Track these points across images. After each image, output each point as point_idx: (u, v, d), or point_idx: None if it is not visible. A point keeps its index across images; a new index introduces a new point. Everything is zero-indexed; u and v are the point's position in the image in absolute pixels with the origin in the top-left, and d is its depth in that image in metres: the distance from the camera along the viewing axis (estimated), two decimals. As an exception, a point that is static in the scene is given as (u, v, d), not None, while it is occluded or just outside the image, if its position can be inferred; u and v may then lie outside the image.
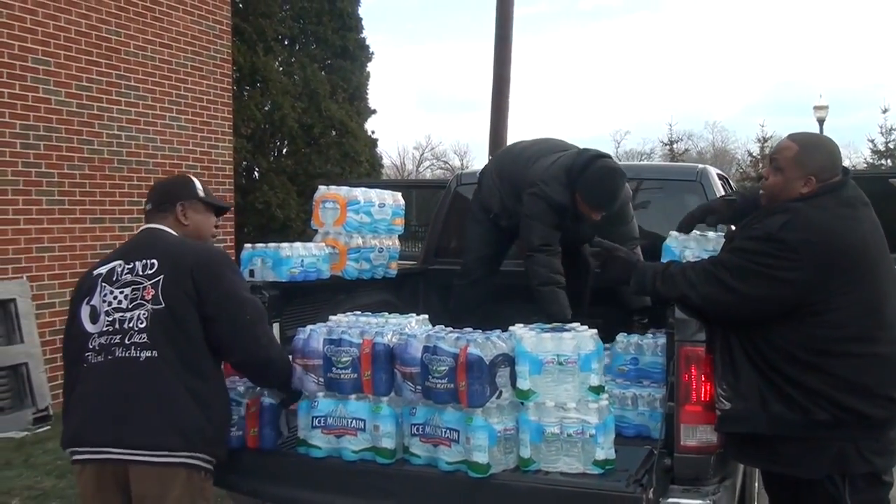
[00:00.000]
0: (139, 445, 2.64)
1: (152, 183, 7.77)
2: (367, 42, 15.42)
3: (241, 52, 12.57)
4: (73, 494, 4.92)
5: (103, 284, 2.83)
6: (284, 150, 14.55)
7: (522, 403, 2.78)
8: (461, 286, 4.58)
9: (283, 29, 14.18)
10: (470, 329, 2.94)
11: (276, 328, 3.60)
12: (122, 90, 7.79)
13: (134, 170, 7.89)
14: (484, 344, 2.73)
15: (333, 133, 14.42)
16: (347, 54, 14.94)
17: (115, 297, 2.79)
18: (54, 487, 5.11)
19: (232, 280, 2.87)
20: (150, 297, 2.75)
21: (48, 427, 6.33)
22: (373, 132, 15.47)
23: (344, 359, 2.95)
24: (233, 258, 3.25)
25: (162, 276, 2.77)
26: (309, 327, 3.10)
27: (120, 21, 7.77)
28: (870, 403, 2.70)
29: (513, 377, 2.77)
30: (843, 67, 65.89)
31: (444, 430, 2.79)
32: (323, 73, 14.71)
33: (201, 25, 8.80)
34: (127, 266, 2.83)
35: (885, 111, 29.38)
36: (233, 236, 9.07)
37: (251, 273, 3.71)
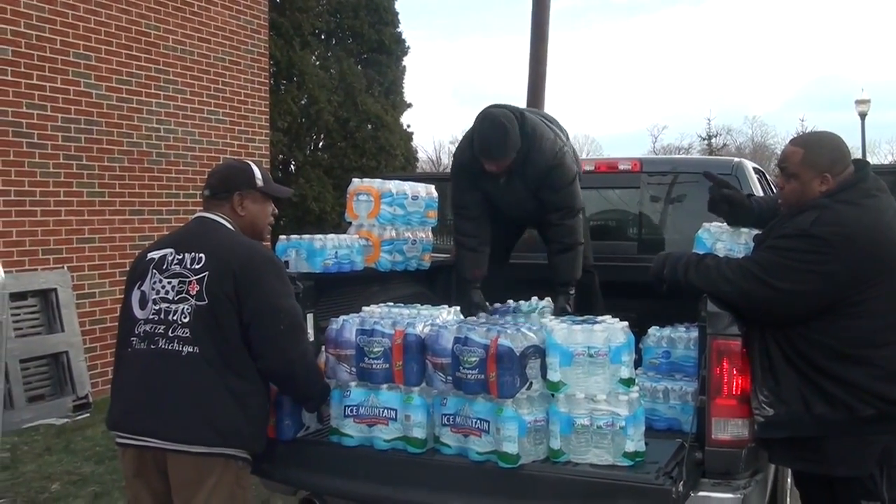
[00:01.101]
0: (175, 438, 2.67)
1: (190, 174, 8.00)
2: (403, 36, 15.49)
3: (278, 47, 12.68)
4: (112, 480, 5.03)
5: (154, 271, 2.84)
6: (320, 144, 14.66)
7: (553, 395, 2.79)
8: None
9: (319, 23, 14.27)
10: (500, 319, 2.95)
11: (309, 318, 3.64)
12: (161, 84, 7.90)
13: (172, 162, 8.00)
14: (515, 335, 2.74)
15: (369, 127, 14.49)
16: (383, 48, 15.00)
17: (163, 287, 2.80)
18: (93, 473, 5.21)
19: (272, 287, 2.82)
20: (194, 292, 2.75)
21: (87, 414, 6.46)
22: (408, 126, 15.54)
23: (376, 349, 2.97)
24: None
25: (207, 273, 2.77)
26: (342, 318, 3.14)
27: (159, 16, 7.88)
28: None
29: (543, 369, 2.78)
30: (886, 61, 64.72)
31: (474, 420, 2.81)
32: (359, 67, 14.79)
33: (239, 20, 8.89)
34: (177, 256, 2.84)
35: (928, 105, 28.88)
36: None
37: (286, 264, 3.75)
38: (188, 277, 2.78)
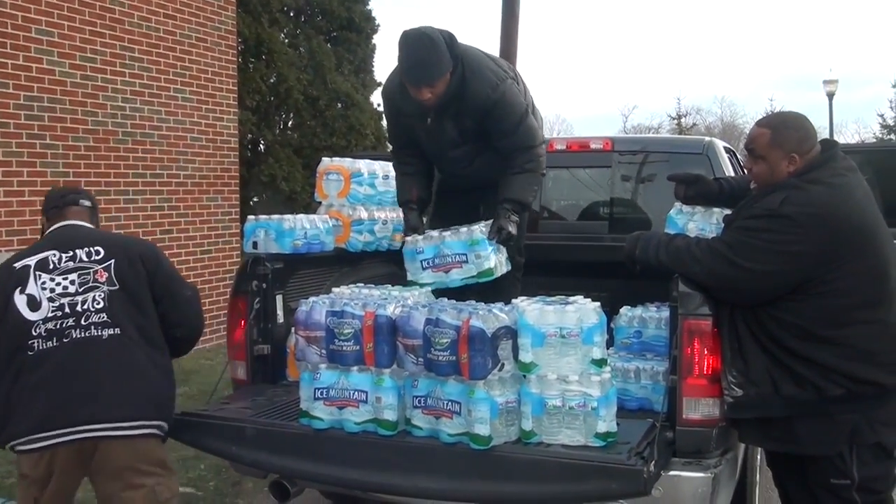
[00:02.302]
0: (115, 418, 2.74)
1: (157, 154, 7.89)
2: (374, 14, 15.35)
3: (246, 24, 12.51)
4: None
5: (38, 273, 2.88)
6: (290, 123, 14.53)
7: (524, 376, 2.78)
8: None
9: (288, 0, 14.09)
10: (472, 301, 2.94)
11: (279, 300, 3.61)
12: (126, 61, 7.75)
13: (139, 142, 7.87)
14: (486, 316, 2.72)
15: (339, 105, 14.37)
16: (353, 26, 14.86)
17: (57, 284, 2.86)
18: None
19: (169, 266, 3.16)
20: (104, 279, 2.89)
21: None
22: (379, 105, 15.38)
23: (346, 331, 2.94)
24: (238, 230, 3.41)
25: (113, 261, 2.93)
26: (312, 299, 3.10)
27: (124, -9, 7.73)
28: (883, 371, 2.75)
29: (515, 350, 2.77)
30: (854, 42, 65.31)
31: (445, 402, 2.79)
32: (328, 45, 14.65)
33: (206, -4, 8.74)
34: (65, 254, 2.92)
35: (894, 85, 29.24)
36: (238, 209, 9.07)
37: (254, 245, 3.72)
38: (92, 268, 2.91)
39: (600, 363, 2.75)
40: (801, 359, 2.74)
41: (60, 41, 7.10)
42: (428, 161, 3.94)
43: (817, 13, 69.50)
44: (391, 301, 3.02)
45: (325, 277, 3.83)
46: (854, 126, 42.23)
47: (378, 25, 15.44)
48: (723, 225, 3.10)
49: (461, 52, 3.56)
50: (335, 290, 3.37)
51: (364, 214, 4.09)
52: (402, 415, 2.92)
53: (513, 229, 3.53)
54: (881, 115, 29.37)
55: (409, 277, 3.52)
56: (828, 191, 2.78)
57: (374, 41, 15.50)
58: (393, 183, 4.24)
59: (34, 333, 2.80)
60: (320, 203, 4.16)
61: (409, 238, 3.60)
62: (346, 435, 2.95)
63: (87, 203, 3.19)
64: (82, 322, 2.80)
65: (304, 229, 3.74)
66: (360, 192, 4.08)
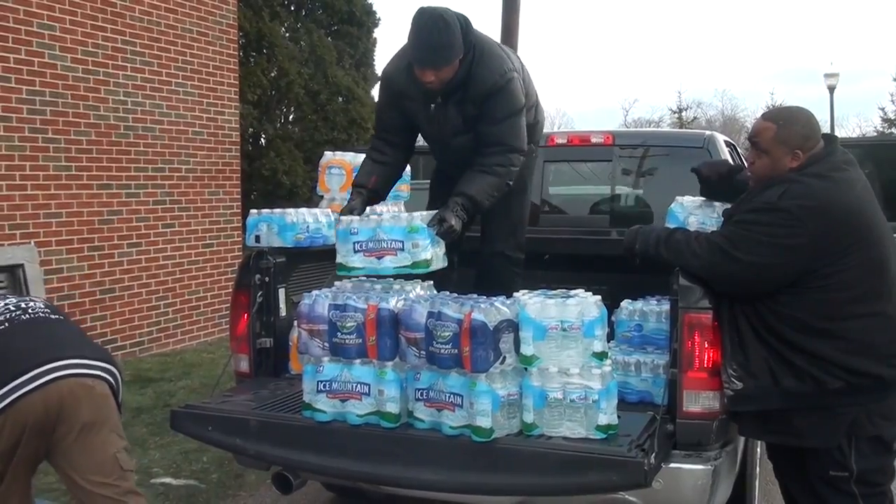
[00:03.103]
0: (80, 356, 2.90)
1: (158, 148, 7.90)
2: (374, 7, 15.36)
3: (247, 18, 12.52)
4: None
5: None
6: (291, 117, 14.55)
7: (526, 369, 2.80)
8: None
9: (289, -6, 14.10)
10: (474, 295, 2.95)
11: (281, 294, 3.63)
12: (128, 56, 7.76)
13: (140, 136, 7.88)
14: (488, 310, 2.74)
15: (340, 99, 14.39)
16: (354, 20, 14.88)
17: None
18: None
19: None
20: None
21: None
22: (380, 99, 15.41)
23: (349, 324, 2.96)
24: (240, 224, 3.36)
25: None
26: (314, 293, 3.11)
27: (125, -15, 7.73)
28: (883, 364, 2.76)
29: (516, 343, 2.78)
30: (855, 36, 65.18)
31: (447, 394, 2.81)
32: (329, 38, 14.67)
33: (207, -10, 8.74)
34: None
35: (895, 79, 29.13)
36: (239, 203, 9.07)
37: (257, 238, 3.73)
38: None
39: (601, 356, 2.76)
40: (800, 352, 2.76)
41: (62, 36, 7.10)
42: (405, 158, 3.87)
43: (818, 6, 69.39)
44: (393, 294, 3.03)
45: (327, 271, 3.85)
46: (855, 120, 42.09)
47: (379, 19, 15.48)
48: (722, 219, 3.11)
49: (475, 38, 3.49)
50: (337, 283, 3.38)
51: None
52: (405, 407, 2.93)
53: (457, 224, 3.30)
54: (882, 109, 29.30)
55: (338, 259, 3.26)
56: (827, 185, 2.79)
57: (374, 35, 15.54)
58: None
59: None
60: (322, 197, 4.17)
61: (343, 218, 3.35)
62: (349, 427, 2.96)
63: None
64: (29, 313, 3.00)
65: (306, 223, 3.75)
66: (361, 186, 4.07)
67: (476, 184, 3.48)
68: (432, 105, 3.57)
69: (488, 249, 3.92)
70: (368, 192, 3.68)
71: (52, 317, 3.07)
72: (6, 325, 2.94)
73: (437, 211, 3.32)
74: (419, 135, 3.88)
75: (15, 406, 2.75)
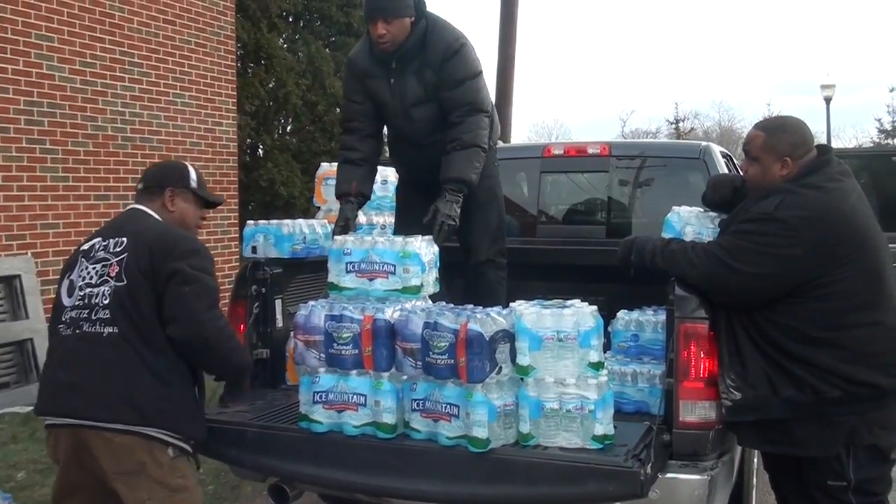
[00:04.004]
0: (93, 417, 2.70)
1: (156, 158, 7.90)
2: (372, 19, 15.36)
3: (245, 29, 12.55)
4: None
5: (82, 260, 2.91)
6: (288, 128, 14.58)
7: (522, 379, 2.79)
8: None
9: (286, 5, 14.15)
10: (471, 305, 2.95)
11: (278, 304, 3.62)
12: (126, 66, 7.78)
13: (138, 146, 7.89)
14: (484, 320, 2.74)
15: (337, 110, 14.40)
16: (352, 31, 14.92)
17: (88, 273, 2.86)
18: (60, 461, 5.14)
19: (183, 255, 2.83)
20: (114, 273, 2.82)
21: (54, 402, 6.36)
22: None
23: (345, 335, 2.96)
24: (237, 235, 3.28)
25: (126, 255, 2.83)
26: (311, 303, 3.11)
27: (123, -3, 7.75)
28: (881, 373, 2.76)
29: (512, 353, 2.78)
30: (851, 47, 65.42)
31: (444, 405, 2.80)
32: (327, 50, 14.71)
33: (205, 2, 8.77)
34: (103, 243, 2.90)
35: (892, 90, 29.31)
36: (237, 213, 9.07)
37: (254, 249, 3.73)
38: (109, 260, 2.85)
39: (597, 366, 2.76)
40: (798, 361, 2.76)
41: (60, 46, 7.13)
42: (376, 149, 3.95)
43: (815, 18, 69.67)
44: (390, 305, 3.03)
45: (323, 282, 3.84)
46: (852, 131, 42.20)
47: (376, 30, 15.46)
48: (719, 229, 3.12)
49: (428, 12, 3.70)
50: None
51: (362, 219, 4.11)
52: (401, 418, 2.93)
53: (454, 212, 3.46)
54: (878, 120, 29.46)
55: (330, 279, 3.27)
56: (822, 195, 2.81)
57: (372, 46, 15.53)
58: (391, 187, 4.26)
59: (62, 319, 2.85)
60: (319, 208, 4.17)
61: (338, 238, 3.38)
62: (346, 438, 2.96)
63: (141, 185, 3.10)
64: (92, 316, 2.78)
65: (303, 234, 3.76)
66: (358, 197, 4.08)
67: (457, 164, 3.59)
68: (391, 79, 3.71)
69: (476, 259, 3.96)
70: (355, 198, 3.78)
71: (106, 331, 2.74)
72: (70, 331, 2.80)
73: (440, 211, 3.44)
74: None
75: (52, 432, 2.82)
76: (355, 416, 2.95)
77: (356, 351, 2.95)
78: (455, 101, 3.66)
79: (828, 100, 24.04)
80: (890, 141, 28.57)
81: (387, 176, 4.25)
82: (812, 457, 2.85)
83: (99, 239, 2.93)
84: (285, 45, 14.24)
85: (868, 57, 66.08)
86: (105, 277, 2.82)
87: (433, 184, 3.66)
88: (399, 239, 3.22)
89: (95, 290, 2.81)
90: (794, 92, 57.15)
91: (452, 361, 2.74)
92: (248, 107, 12.87)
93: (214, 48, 8.90)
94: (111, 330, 2.75)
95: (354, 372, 2.97)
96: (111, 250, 2.86)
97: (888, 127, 29.33)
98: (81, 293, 2.83)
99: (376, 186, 4.17)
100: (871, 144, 29.50)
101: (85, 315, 2.80)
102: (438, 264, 3.24)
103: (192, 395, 2.91)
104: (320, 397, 2.99)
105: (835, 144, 24.94)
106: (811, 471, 2.89)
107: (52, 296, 6.77)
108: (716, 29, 69.83)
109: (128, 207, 3.13)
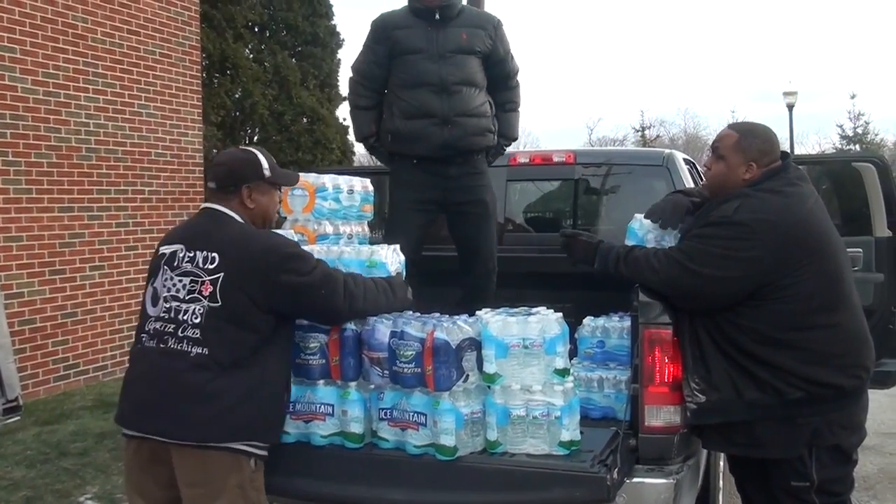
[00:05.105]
0: (182, 437, 2.62)
1: (121, 170, 7.84)
2: (338, 29, 15.38)
3: (211, 40, 12.48)
4: (44, 484, 4.93)
5: (165, 267, 2.78)
6: (255, 138, 14.48)
7: (489, 387, 2.81)
8: None
9: (252, 15, 14.08)
10: (437, 314, 2.96)
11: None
12: (90, 78, 7.71)
13: (103, 158, 7.82)
14: (450, 328, 2.75)
15: (304, 120, 14.38)
16: (318, 41, 14.88)
17: (174, 285, 2.73)
18: (24, 477, 5.08)
19: (294, 270, 2.75)
20: (207, 293, 2.68)
21: (18, 418, 6.26)
22: (344, 119, 15.40)
23: (312, 345, 2.96)
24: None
25: (222, 275, 2.69)
26: (277, 314, 3.10)
27: (86, 7, 7.68)
28: (841, 374, 2.80)
29: (479, 361, 2.80)
30: (814, 55, 66.45)
31: (411, 413, 2.81)
32: (293, 60, 14.65)
33: (169, 12, 8.72)
34: (189, 254, 2.76)
35: (853, 97, 29.87)
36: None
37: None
38: (201, 277, 2.71)
39: (563, 373, 2.79)
40: (761, 363, 2.79)
41: (23, 58, 7.05)
42: (378, 101, 4.30)
43: (778, 27, 70.59)
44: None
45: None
46: (815, 137, 42.93)
47: (343, 40, 15.47)
48: (680, 235, 3.16)
49: None
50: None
51: (329, 229, 4.08)
52: (369, 427, 2.93)
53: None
54: (840, 126, 29.90)
55: None
56: (780, 199, 2.86)
57: (339, 56, 15.53)
58: (357, 197, 4.25)
59: (146, 328, 2.75)
60: (285, 218, 4.15)
61: (317, 247, 3.37)
62: (313, 448, 2.96)
63: (213, 185, 2.93)
64: (179, 333, 2.66)
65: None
66: (324, 206, 4.05)
67: (513, 124, 4.39)
68: (429, 28, 4.11)
69: (483, 268, 4.28)
70: (376, 139, 4.35)
71: (194, 351, 2.63)
72: (154, 343, 2.70)
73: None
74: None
75: (130, 442, 2.78)
76: (323, 426, 2.95)
77: (323, 361, 2.95)
78: (509, 67, 4.30)
79: (790, 106, 24.39)
80: (852, 147, 29.00)
81: (353, 186, 4.24)
82: (776, 458, 2.89)
83: (181, 246, 2.79)
84: (251, 55, 14.16)
85: (830, 65, 67.18)
86: (196, 295, 2.69)
87: (438, 143, 4.11)
88: (365, 248, 3.23)
89: (183, 305, 2.69)
90: (759, 99, 58.04)
91: (419, 370, 2.75)
92: (214, 117, 12.79)
93: (179, 58, 8.85)
94: (200, 350, 2.63)
95: (322, 382, 2.97)
96: (201, 266, 2.72)
97: (850, 133, 29.78)
98: (167, 305, 2.71)
99: (342, 196, 4.16)
100: (834, 150, 29.94)
101: (171, 330, 2.68)
102: (406, 273, 3.25)
103: (279, 402, 2.82)
104: (288, 408, 2.99)
105: (798, 151, 25.30)
106: (775, 472, 2.92)
107: (17, 309, 6.73)
108: (681, 37, 70.57)
109: (203, 207, 2.98)
